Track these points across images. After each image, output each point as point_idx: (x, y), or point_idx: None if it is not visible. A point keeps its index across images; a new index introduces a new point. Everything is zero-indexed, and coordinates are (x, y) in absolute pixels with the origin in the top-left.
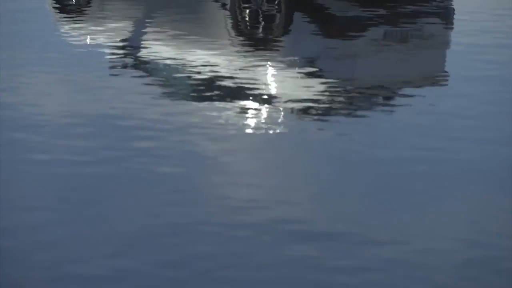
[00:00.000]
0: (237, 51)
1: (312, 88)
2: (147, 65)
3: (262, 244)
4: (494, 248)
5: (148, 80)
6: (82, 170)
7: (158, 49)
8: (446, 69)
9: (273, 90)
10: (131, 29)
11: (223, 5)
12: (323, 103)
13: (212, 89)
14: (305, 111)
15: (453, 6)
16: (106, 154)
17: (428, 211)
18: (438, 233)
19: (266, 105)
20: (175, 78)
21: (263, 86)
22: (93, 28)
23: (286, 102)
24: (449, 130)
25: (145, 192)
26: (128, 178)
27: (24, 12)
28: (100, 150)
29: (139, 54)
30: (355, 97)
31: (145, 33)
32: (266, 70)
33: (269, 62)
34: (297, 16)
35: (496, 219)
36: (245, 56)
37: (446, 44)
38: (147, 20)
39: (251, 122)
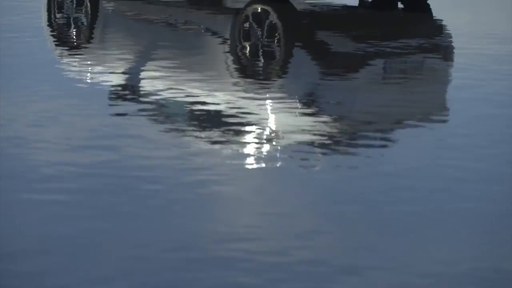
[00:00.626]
0: (237, 86)
1: (312, 124)
2: (147, 99)
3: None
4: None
5: (147, 114)
6: (83, 212)
7: (158, 83)
8: (447, 105)
9: (272, 126)
10: (132, 63)
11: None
12: (323, 139)
13: (211, 125)
14: (306, 145)
15: (453, 43)
16: (104, 192)
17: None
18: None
19: (264, 141)
20: (174, 113)
21: (262, 122)
22: (94, 62)
23: (285, 138)
24: (450, 166)
25: (143, 232)
26: (128, 217)
27: (24, 45)
28: (98, 190)
29: (139, 88)
30: (355, 132)
31: (146, 67)
32: (265, 106)
33: (268, 98)
34: (297, 51)
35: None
36: (244, 92)
37: (446, 79)
38: (148, 55)
39: (250, 159)
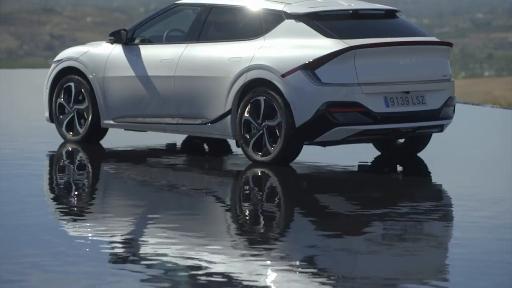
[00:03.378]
0: (238, 249)
1: (312, 285)
2: (147, 258)
3: None
4: None
5: (147, 275)
6: None
7: (159, 246)
8: (447, 266)
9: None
10: (133, 226)
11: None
12: None
13: None
14: None
15: (452, 205)
16: None
17: None
18: None
19: None
20: (174, 277)
21: (262, 284)
22: (95, 225)
23: None
24: None
25: None
26: None
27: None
28: None
29: (140, 248)
30: None
31: (147, 230)
32: (266, 268)
33: (268, 260)
34: (297, 213)
35: None
36: (244, 256)
37: (446, 241)
38: (149, 218)
39: None
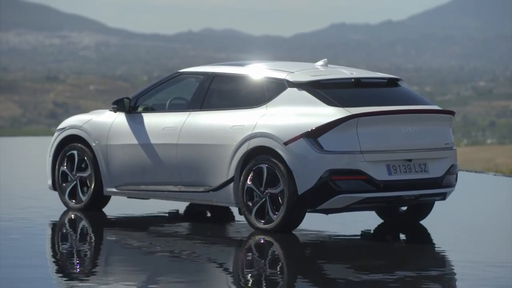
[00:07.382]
0: None
1: None
2: None
3: None
4: None
5: None
6: None
7: None
8: None
9: None
10: None
11: None
12: None
13: None
14: None
15: (456, 273)
16: None
17: None
18: None
19: None
20: None
21: None
22: None
23: None
24: None
25: None
26: None
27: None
28: None
29: None
30: None
31: None
32: None
33: None
34: (300, 281)
35: None
36: None
37: None
38: (151, 286)
39: None
